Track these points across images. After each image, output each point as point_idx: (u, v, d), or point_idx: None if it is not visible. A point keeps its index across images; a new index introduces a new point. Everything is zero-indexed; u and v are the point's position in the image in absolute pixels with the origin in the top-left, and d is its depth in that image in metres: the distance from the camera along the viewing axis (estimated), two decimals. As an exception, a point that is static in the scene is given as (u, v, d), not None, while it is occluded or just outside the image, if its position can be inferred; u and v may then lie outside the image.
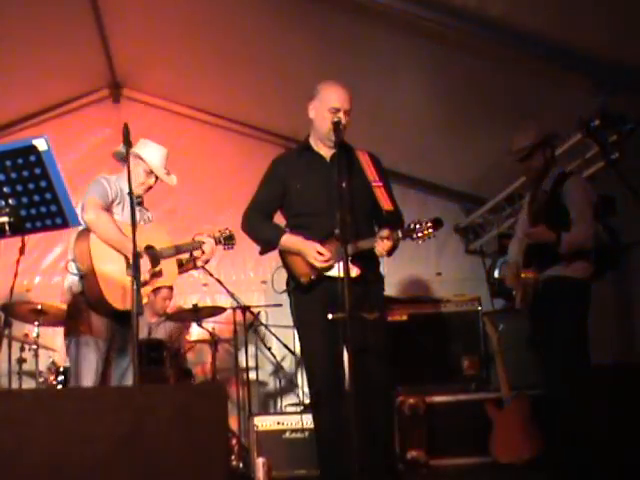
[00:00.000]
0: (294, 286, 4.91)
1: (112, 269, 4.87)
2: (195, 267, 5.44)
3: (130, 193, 4.47)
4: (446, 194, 9.10)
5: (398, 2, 5.69)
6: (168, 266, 5.13)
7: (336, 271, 4.58)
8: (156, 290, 7.78)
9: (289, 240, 4.86)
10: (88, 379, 4.85)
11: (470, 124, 7.27)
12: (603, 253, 5.47)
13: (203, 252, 5.35)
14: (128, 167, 4.60)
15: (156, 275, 4.99)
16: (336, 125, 4.66)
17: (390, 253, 4.84)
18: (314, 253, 4.68)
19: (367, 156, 4.99)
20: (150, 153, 5.16)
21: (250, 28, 6.91)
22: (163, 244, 5.13)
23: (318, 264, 4.70)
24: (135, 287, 4.27)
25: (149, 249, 5.03)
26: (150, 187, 5.21)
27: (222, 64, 7.69)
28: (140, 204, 5.25)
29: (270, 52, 7.19)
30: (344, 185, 4.63)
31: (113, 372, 5.00)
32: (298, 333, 4.94)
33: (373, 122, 7.21)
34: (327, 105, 4.80)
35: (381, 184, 4.86)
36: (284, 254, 4.92)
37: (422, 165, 8.67)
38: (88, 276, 4.89)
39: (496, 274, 8.16)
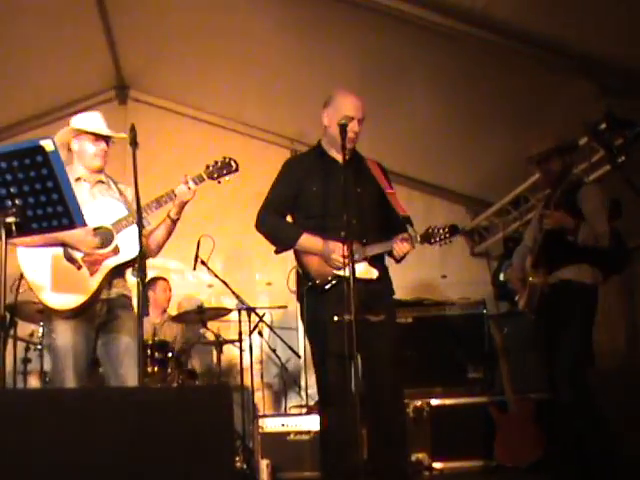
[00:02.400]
0: (309, 287, 4.88)
1: (44, 270, 4.74)
2: (173, 221, 4.92)
3: (137, 194, 4.43)
4: (452, 197, 9.10)
5: (406, 5, 5.70)
6: (128, 239, 4.73)
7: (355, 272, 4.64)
8: (152, 285, 7.80)
9: (308, 240, 4.85)
10: (68, 375, 4.79)
11: (476, 127, 7.27)
12: (609, 256, 5.47)
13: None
14: (134, 167, 4.56)
15: (113, 253, 4.72)
16: (342, 128, 4.66)
17: (399, 260, 4.90)
18: (339, 252, 4.63)
19: (376, 165, 5.06)
20: (83, 121, 5.01)
21: (257, 30, 6.91)
22: (119, 216, 4.81)
23: (342, 261, 4.65)
24: (140, 288, 4.25)
25: (96, 230, 4.75)
26: (105, 151, 4.97)
27: (229, 66, 7.70)
28: (102, 182, 5.05)
29: (277, 54, 7.20)
30: (358, 190, 4.79)
31: (109, 364, 4.87)
32: (309, 333, 4.93)
33: (380, 125, 7.20)
34: (342, 113, 4.77)
35: (393, 192, 4.91)
36: (300, 254, 4.90)
37: (428, 168, 8.68)
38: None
39: (501, 277, 8.16)
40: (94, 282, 4.74)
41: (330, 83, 6.15)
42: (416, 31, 5.98)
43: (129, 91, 8.97)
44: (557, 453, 5.77)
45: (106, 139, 4.99)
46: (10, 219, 3.87)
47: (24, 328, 7.25)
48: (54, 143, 3.76)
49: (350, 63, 6.79)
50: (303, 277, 4.91)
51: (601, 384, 5.43)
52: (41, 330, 7.00)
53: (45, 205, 3.90)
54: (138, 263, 4.35)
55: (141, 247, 4.35)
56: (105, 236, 4.75)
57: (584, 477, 5.21)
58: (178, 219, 4.92)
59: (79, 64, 7.93)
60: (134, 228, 4.67)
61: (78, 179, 4.94)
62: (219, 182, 4.89)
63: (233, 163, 4.89)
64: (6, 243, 3.91)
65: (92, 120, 5.01)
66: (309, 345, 4.98)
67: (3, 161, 3.80)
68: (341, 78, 6.84)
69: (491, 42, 5.84)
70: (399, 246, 4.69)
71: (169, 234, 4.98)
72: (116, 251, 4.74)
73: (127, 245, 4.73)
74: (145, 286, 4.36)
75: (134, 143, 4.59)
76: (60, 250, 4.76)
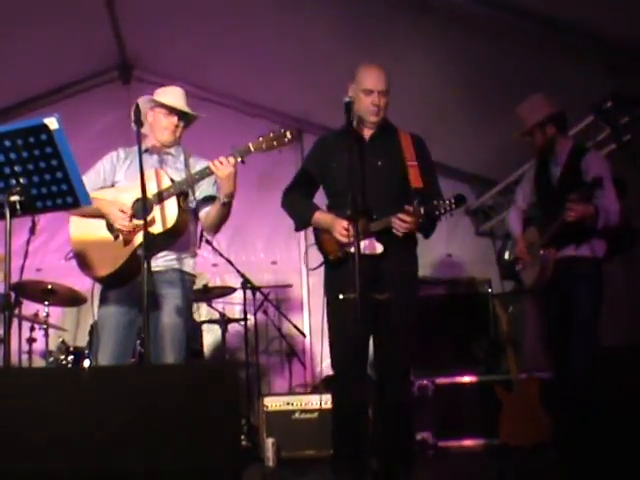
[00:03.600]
0: (326, 264, 4.98)
1: (88, 239, 4.84)
2: (222, 203, 4.68)
3: (141, 173, 4.40)
4: (457, 176, 9.07)
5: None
6: (161, 211, 4.66)
7: (361, 249, 4.62)
8: None
9: (319, 217, 4.95)
10: (105, 353, 4.77)
11: (482, 106, 7.24)
12: (616, 236, 5.45)
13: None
14: (139, 146, 4.55)
15: (149, 224, 4.52)
16: (347, 106, 4.67)
17: (427, 233, 4.94)
18: (340, 228, 4.72)
19: (409, 137, 5.04)
20: (162, 94, 5.04)
21: (262, 8, 6.88)
22: (162, 189, 4.72)
23: (343, 239, 4.72)
24: (145, 267, 4.24)
25: (137, 201, 4.69)
26: (176, 126, 4.98)
27: (234, 44, 7.67)
28: (167, 153, 5.04)
29: (282, 33, 7.17)
30: (379, 164, 4.86)
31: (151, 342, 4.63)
32: (327, 309, 4.96)
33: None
34: (361, 87, 4.89)
35: (416, 163, 4.89)
36: (317, 232, 5.00)
37: (433, 147, 8.59)
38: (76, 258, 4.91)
39: (506, 256, 8.15)
40: (125, 252, 4.71)
41: (336, 61, 6.15)
42: (425, 11, 5.96)
43: (133, 70, 8.94)
44: (562, 433, 5.77)
45: (180, 115, 4.98)
46: (14, 198, 3.87)
47: (29, 307, 7.26)
48: (59, 121, 3.76)
49: (356, 42, 6.76)
50: (322, 254, 5.00)
51: (605, 364, 5.43)
52: (46, 310, 7.02)
53: (49, 184, 3.90)
54: (143, 240, 4.35)
55: (146, 225, 4.34)
56: (140, 209, 4.61)
57: (589, 457, 5.21)
58: (227, 202, 4.68)
59: (82, 43, 7.90)
60: (173, 200, 4.68)
61: (147, 150, 4.94)
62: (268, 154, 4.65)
63: (288, 134, 4.57)
64: (11, 222, 3.91)
65: (170, 94, 5.04)
66: (327, 321, 4.98)
67: (7, 140, 3.80)
68: (347, 56, 6.81)
69: (496, 20, 5.81)
70: (397, 222, 4.68)
71: (219, 215, 4.81)
72: (152, 223, 4.63)
73: (160, 218, 4.67)
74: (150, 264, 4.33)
75: (138, 122, 4.58)
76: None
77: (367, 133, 5.00)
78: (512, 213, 6.12)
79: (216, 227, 4.92)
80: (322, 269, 5.05)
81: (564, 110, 5.56)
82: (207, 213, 4.91)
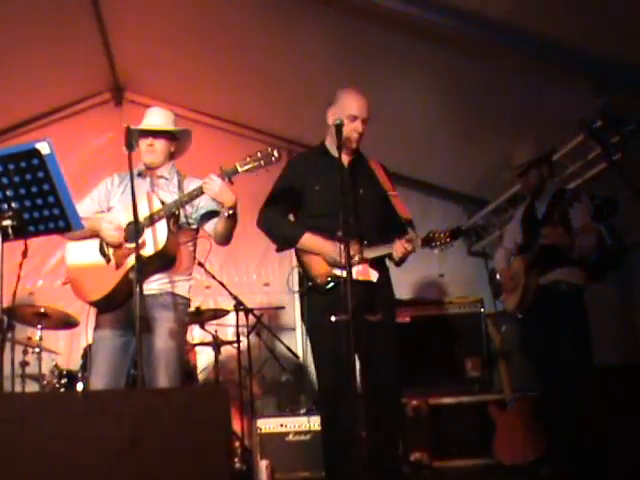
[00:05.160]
0: (309, 287, 4.85)
1: (82, 263, 4.83)
2: (226, 216, 4.68)
3: (133, 196, 4.38)
4: (449, 196, 9.10)
5: (403, 5, 5.69)
6: (152, 234, 4.65)
7: (354, 274, 4.58)
8: None
9: (310, 240, 4.82)
10: (98, 375, 4.75)
11: (473, 126, 7.27)
12: (605, 254, 5.50)
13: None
14: (130, 169, 4.53)
15: (140, 247, 4.46)
16: (337, 128, 4.65)
17: (399, 263, 4.87)
18: (338, 251, 4.57)
19: (380, 166, 5.05)
20: (144, 119, 5.02)
21: (253, 30, 6.91)
22: (153, 212, 4.72)
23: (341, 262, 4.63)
24: (137, 290, 4.22)
25: (129, 225, 4.66)
26: (151, 145, 4.92)
27: (225, 66, 7.70)
28: (160, 176, 5.01)
29: (274, 54, 7.19)
30: (361, 192, 4.83)
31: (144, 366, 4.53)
32: (309, 334, 4.90)
33: (376, 123, 7.20)
34: (346, 112, 4.81)
35: (396, 194, 4.90)
36: (301, 253, 4.87)
37: (425, 167, 8.67)
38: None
39: (498, 277, 8.17)
40: (116, 276, 4.69)
41: (327, 83, 6.14)
42: (417, 31, 5.98)
43: (125, 93, 8.96)
44: (556, 451, 5.78)
45: (156, 135, 4.95)
46: (6, 222, 3.87)
47: (22, 331, 7.24)
48: (50, 146, 3.76)
49: (347, 61, 6.78)
50: (304, 277, 4.89)
51: (600, 382, 5.44)
52: (39, 333, 7.00)
53: (41, 208, 3.90)
54: (135, 264, 4.33)
55: (138, 248, 4.33)
56: (133, 233, 4.57)
57: (582, 475, 5.22)
58: (231, 213, 4.67)
59: (75, 66, 7.92)
60: (163, 222, 4.66)
61: (140, 174, 4.95)
62: (256, 174, 4.62)
63: (275, 152, 4.57)
64: (3, 247, 3.91)
65: (146, 116, 5.03)
66: (310, 345, 4.95)
67: (-1, 164, 3.80)
68: (338, 78, 6.83)
69: (488, 41, 5.84)
70: (399, 247, 4.66)
71: (227, 227, 4.76)
72: (143, 245, 4.59)
73: (149, 241, 4.65)
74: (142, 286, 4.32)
75: (130, 145, 4.55)
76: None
77: (344, 158, 4.83)
78: (498, 253, 6.25)
79: (226, 238, 4.87)
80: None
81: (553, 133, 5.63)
82: (214, 227, 4.87)
